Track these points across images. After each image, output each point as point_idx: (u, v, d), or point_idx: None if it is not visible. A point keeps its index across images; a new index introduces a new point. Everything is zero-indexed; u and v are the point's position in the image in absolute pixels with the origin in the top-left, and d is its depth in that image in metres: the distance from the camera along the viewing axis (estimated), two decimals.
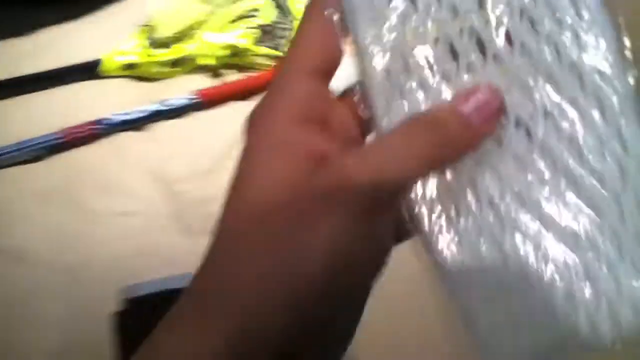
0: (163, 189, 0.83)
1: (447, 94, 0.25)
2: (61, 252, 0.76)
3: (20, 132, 0.90)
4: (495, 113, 0.21)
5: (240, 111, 0.94)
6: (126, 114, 0.91)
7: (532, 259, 0.23)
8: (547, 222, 0.23)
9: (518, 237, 0.24)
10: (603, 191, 0.24)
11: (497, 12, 0.23)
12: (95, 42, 1.05)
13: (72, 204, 0.82)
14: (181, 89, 0.96)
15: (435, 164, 0.21)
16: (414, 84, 0.26)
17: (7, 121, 0.94)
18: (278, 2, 1.04)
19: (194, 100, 0.92)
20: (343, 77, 0.88)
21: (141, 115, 0.91)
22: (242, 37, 0.97)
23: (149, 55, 0.98)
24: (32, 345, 0.69)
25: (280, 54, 1.01)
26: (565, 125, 0.24)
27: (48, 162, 0.88)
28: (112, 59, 1.00)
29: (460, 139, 0.21)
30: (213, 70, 1.01)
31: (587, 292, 0.23)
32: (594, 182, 0.24)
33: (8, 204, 0.83)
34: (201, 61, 0.99)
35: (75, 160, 0.88)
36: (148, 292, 0.66)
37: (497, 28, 0.23)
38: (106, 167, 0.87)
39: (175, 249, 0.76)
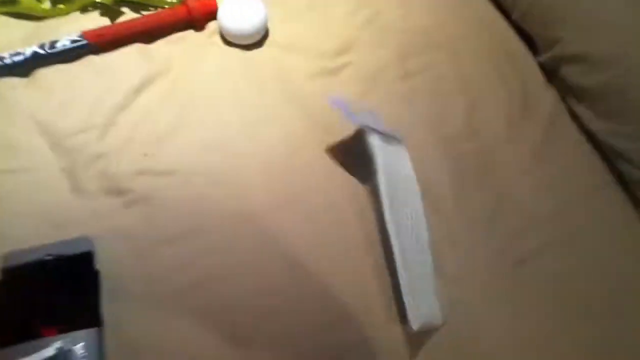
0: (52, 143, 0.76)
1: None
2: None
3: None
4: None
5: (139, 56, 0.87)
6: (4, 57, 0.81)
7: None
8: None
9: None
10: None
11: None
12: None
13: None
14: (74, 29, 0.86)
15: None
16: None
17: None
18: None
19: (80, 42, 0.83)
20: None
21: (21, 58, 0.81)
22: None
23: None
24: None
25: None
26: None
27: None
28: None
29: None
30: (110, 9, 0.92)
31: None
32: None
33: None
34: None
35: None
36: (30, 260, 0.61)
37: None
38: None
39: (67, 209, 0.70)
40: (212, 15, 0.91)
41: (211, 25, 0.91)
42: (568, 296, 0.70)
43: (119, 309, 0.62)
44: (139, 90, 0.82)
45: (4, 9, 0.89)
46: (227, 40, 0.90)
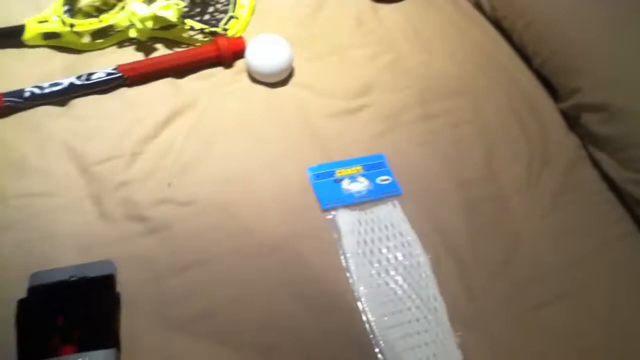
0: (81, 170, 0.82)
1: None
2: None
3: None
4: None
5: (169, 89, 0.94)
6: (44, 86, 0.89)
7: None
8: None
9: None
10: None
11: None
12: (23, 6, 1.02)
13: None
14: (110, 63, 0.94)
15: None
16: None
17: None
18: None
19: (115, 75, 0.91)
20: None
21: (59, 88, 0.89)
22: (165, 8, 0.95)
23: (70, 24, 0.96)
24: None
25: (217, 30, 1.01)
26: None
27: None
28: (35, 26, 0.97)
29: None
30: (144, 45, 1.00)
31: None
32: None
33: None
34: (130, 34, 0.97)
35: None
36: (54, 280, 0.66)
37: None
38: (20, 144, 0.85)
39: (92, 233, 0.75)
40: (240, 53, 0.98)
41: (239, 64, 0.98)
42: (578, 350, 0.71)
43: (135, 331, 0.66)
44: (166, 122, 0.89)
45: (48, 42, 0.98)
46: (253, 78, 0.96)
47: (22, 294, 0.67)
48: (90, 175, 0.82)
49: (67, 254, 0.73)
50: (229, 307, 0.70)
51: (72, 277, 0.67)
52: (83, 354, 0.60)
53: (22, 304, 0.64)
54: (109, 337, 0.63)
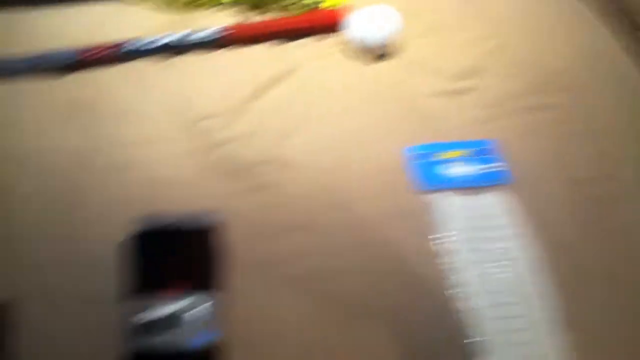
0: (184, 123, 0.84)
1: None
2: (69, 174, 0.78)
3: (42, 44, 0.91)
4: None
5: (270, 54, 0.95)
6: (150, 40, 0.92)
7: None
8: None
9: None
10: None
11: None
12: None
13: (86, 126, 0.83)
14: (210, 23, 0.97)
15: None
16: None
17: (32, 32, 0.95)
18: None
19: (215, 35, 0.93)
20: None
21: (165, 42, 0.91)
22: None
23: None
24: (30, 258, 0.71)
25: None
26: None
27: (66, 80, 0.89)
28: None
29: None
30: (243, 8, 1.01)
31: None
32: None
33: (21, 117, 0.85)
34: None
35: (94, 82, 0.89)
36: (161, 225, 0.68)
37: None
38: (125, 93, 0.88)
39: (190, 186, 0.77)
40: (340, 24, 0.97)
41: (340, 34, 0.98)
42: None
43: (236, 284, 0.68)
44: (267, 86, 0.90)
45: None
46: (356, 50, 0.96)
47: (125, 235, 0.69)
48: (191, 131, 0.83)
49: (164, 202, 0.75)
50: (327, 274, 0.71)
51: (179, 223, 0.69)
52: (191, 292, 0.63)
53: (133, 240, 0.67)
54: (214, 282, 0.66)
